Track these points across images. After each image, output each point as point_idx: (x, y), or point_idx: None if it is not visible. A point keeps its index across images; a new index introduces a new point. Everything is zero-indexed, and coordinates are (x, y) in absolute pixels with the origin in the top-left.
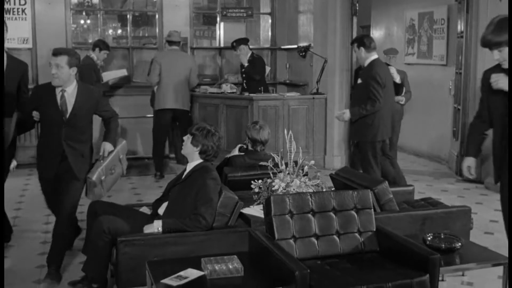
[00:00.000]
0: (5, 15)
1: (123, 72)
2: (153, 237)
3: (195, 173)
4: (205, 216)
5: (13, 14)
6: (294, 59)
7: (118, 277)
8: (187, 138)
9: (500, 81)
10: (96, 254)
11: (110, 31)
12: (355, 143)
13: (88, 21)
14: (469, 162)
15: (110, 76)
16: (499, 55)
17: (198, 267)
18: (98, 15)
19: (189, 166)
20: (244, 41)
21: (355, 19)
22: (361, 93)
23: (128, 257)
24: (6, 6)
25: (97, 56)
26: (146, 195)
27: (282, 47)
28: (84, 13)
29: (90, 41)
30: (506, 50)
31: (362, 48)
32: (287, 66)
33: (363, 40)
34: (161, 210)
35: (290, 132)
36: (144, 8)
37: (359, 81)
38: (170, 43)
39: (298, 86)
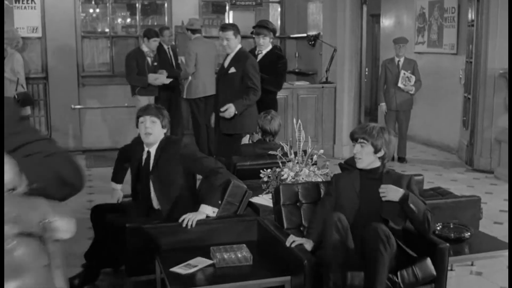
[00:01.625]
0: (14, 4)
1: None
2: (162, 226)
3: (164, 150)
4: (218, 165)
5: (22, 3)
6: (303, 48)
7: (127, 265)
8: (153, 123)
9: (389, 193)
10: None
11: (119, 20)
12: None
13: (97, 10)
14: None
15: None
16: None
17: (207, 256)
18: (107, 4)
19: (154, 148)
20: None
21: (364, 8)
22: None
23: (136, 245)
24: None
25: (148, 46)
26: None
27: (291, 35)
28: (93, 2)
29: (99, 30)
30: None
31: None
32: (296, 55)
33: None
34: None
35: (299, 121)
36: None
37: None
38: (194, 31)
39: (307, 75)
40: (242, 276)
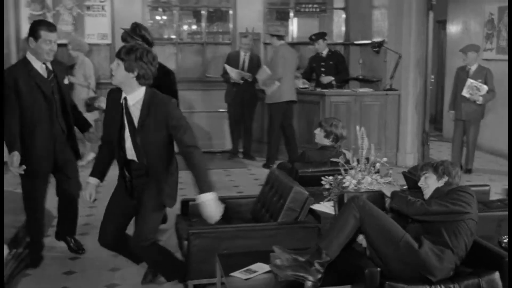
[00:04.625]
0: (85, 12)
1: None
2: (223, 230)
3: (152, 105)
4: (192, 142)
5: (93, 11)
6: (367, 54)
7: (188, 268)
8: (117, 65)
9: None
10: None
11: (185, 27)
12: None
13: (164, 17)
14: None
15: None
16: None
17: (267, 261)
18: (174, 11)
19: (133, 98)
20: (322, 35)
21: (431, 14)
22: None
23: (198, 249)
24: (87, 3)
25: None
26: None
27: (356, 42)
28: (160, 9)
29: (165, 36)
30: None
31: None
32: (360, 61)
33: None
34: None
35: (363, 128)
36: (218, 4)
37: None
38: (280, 37)
39: (371, 82)
40: (301, 283)
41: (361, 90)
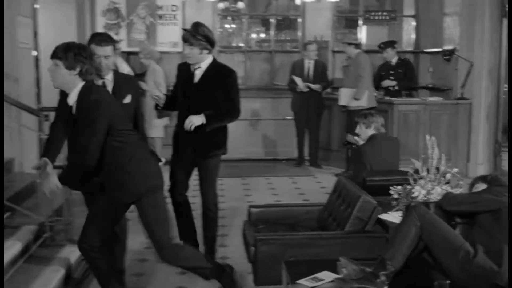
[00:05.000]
0: (158, 20)
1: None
2: (290, 237)
3: (82, 99)
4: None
5: (165, 19)
6: (437, 63)
7: (256, 274)
8: (56, 66)
9: None
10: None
11: (254, 35)
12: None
13: (233, 25)
14: None
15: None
16: None
17: (334, 270)
18: (243, 20)
19: (72, 97)
20: (391, 43)
21: (504, 21)
22: None
23: (265, 255)
24: (159, 12)
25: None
26: None
27: (425, 50)
28: (229, 18)
29: (233, 44)
30: None
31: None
32: (430, 70)
33: None
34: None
35: (433, 137)
36: (287, 12)
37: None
38: (357, 46)
39: (441, 91)
40: None
41: (431, 99)
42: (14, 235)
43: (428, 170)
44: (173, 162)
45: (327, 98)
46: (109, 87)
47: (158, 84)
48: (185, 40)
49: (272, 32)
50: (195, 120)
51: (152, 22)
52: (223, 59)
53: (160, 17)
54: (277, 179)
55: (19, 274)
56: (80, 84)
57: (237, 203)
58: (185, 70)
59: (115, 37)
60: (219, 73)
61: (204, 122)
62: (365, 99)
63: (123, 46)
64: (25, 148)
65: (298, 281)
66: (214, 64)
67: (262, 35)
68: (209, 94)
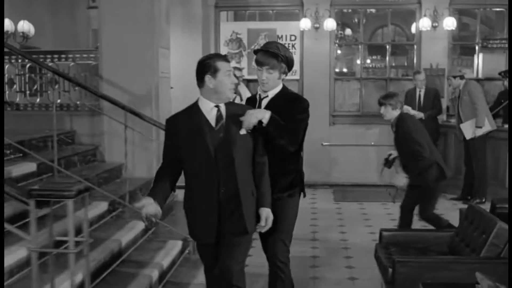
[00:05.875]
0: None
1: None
2: (428, 260)
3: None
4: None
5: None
6: None
7: None
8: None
9: None
10: None
11: (368, 61)
12: None
13: (349, 53)
14: None
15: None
16: None
17: None
18: (359, 47)
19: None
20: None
21: None
22: None
23: (403, 277)
24: (279, 41)
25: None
26: None
27: None
28: (344, 46)
29: (344, 70)
30: None
31: None
32: None
33: None
34: None
35: None
36: (404, 40)
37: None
38: (462, 77)
39: None
40: None
41: None
42: (163, 248)
43: None
44: None
45: (442, 125)
46: None
47: None
48: (262, 62)
49: (387, 59)
50: (258, 114)
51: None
52: (339, 87)
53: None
54: (392, 205)
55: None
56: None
57: (355, 228)
58: (251, 101)
59: (237, 65)
60: (289, 101)
61: (266, 119)
62: (487, 124)
63: (245, 74)
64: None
65: None
66: (284, 92)
67: (378, 63)
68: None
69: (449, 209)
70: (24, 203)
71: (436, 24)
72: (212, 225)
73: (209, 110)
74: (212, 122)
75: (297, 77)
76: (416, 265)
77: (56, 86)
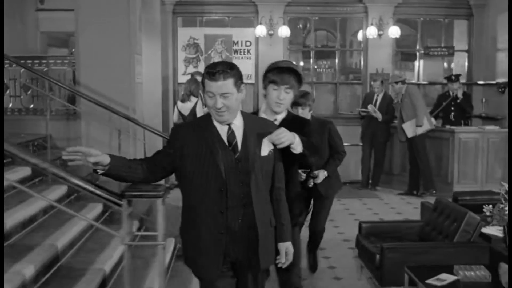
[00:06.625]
0: (233, 55)
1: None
2: (411, 246)
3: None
4: None
5: (240, 54)
6: (490, 93)
7: (381, 277)
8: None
9: None
10: None
11: (321, 68)
12: None
13: (302, 58)
14: None
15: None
16: None
17: (450, 273)
18: (311, 53)
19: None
20: (459, 76)
21: None
22: None
23: (391, 261)
24: (235, 47)
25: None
26: None
27: (478, 82)
28: (295, 51)
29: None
30: None
31: None
32: (483, 100)
33: None
34: None
35: None
36: (351, 47)
37: None
38: (403, 82)
39: (494, 120)
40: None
41: (488, 127)
42: None
43: None
44: None
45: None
46: None
47: None
48: (281, 81)
49: (337, 65)
50: (290, 136)
51: (228, 56)
52: None
53: (235, 52)
54: (349, 201)
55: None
56: None
57: None
58: None
59: (194, 70)
60: (298, 123)
61: (298, 143)
62: (426, 123)
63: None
64: None
65: (427, 281)
66: (290, 114)
67: (328, 69)
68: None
69: (398, 203)
70: (117, 204)
71: (382, 32)
72: (218, 257)
73: (222, 126)
74: (225, 139)
75: (252, 81)
76: (402, 251)
77: (7, 92)
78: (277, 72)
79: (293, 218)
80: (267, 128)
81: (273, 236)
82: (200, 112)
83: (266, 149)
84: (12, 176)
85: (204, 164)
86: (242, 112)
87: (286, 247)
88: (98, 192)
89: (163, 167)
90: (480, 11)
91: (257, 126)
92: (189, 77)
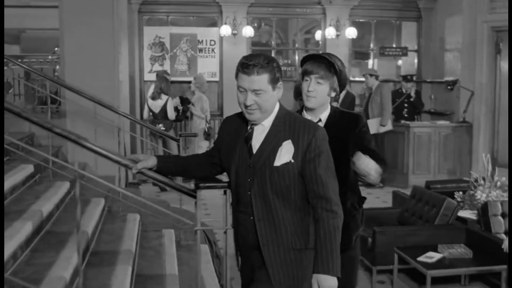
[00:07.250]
0: (198, 53)
1: None
2: (400, 229)
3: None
4: None
5: (204, 52)
6: (438, 91)
7: (374, 258)
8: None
9: None
10: None
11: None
12: None
13: None
14: None
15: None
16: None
17: (435, 251)
18: (272, 52)
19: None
20: (413, 76)
21: (498, 57)
22: None
23: (382, 243)
24: (199, 46)
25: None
26: None
27: (427, 80)
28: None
29: None
30: None
31: None
32: (432, 97)
33: None
34: None
35: (488, 155)
36: (309, 46)
37: None
38: (377, 77)
39: (443, 115)
40: (469, 264)
41: (440, 122)
42: None
43: (484, 179)
44: None
45: None
46: None
47: (204, 110)
48: (311, 71)
49: (297, 64)
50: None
51: (193, 55)
52: None
53: (200, 50)
54: None
55: None
56: None
57: None
58: None
59: (160, 67)
60: (347, 120)
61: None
62: (390, 123)
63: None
64: None
65: (418, 258)
66: (335, 109)
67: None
68: (343, 148)
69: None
70: (192, 196)
71: (339, 33)
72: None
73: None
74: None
75: (217, 79)
76: (391, 234)
77: None
78: (310, 63)
79: (345, 238)
80: (303, 133)
81: (301, 259)
82: (170, 110)
83: (283, 157)
84: None
85: (227, 161)
86: (288, 113)
87: (318, 279)
88: (171, 183)
89: (212, 159)
90: (428, 14)
91: (291, 130)
92: (154, 75)
